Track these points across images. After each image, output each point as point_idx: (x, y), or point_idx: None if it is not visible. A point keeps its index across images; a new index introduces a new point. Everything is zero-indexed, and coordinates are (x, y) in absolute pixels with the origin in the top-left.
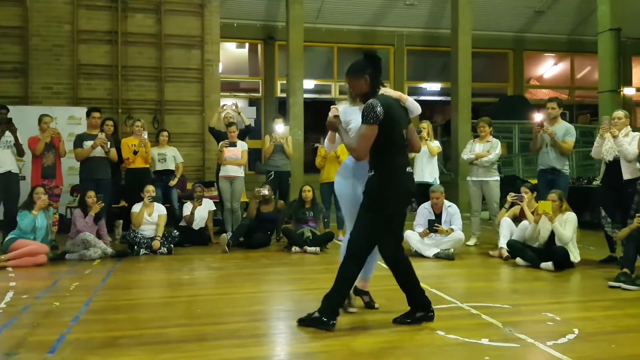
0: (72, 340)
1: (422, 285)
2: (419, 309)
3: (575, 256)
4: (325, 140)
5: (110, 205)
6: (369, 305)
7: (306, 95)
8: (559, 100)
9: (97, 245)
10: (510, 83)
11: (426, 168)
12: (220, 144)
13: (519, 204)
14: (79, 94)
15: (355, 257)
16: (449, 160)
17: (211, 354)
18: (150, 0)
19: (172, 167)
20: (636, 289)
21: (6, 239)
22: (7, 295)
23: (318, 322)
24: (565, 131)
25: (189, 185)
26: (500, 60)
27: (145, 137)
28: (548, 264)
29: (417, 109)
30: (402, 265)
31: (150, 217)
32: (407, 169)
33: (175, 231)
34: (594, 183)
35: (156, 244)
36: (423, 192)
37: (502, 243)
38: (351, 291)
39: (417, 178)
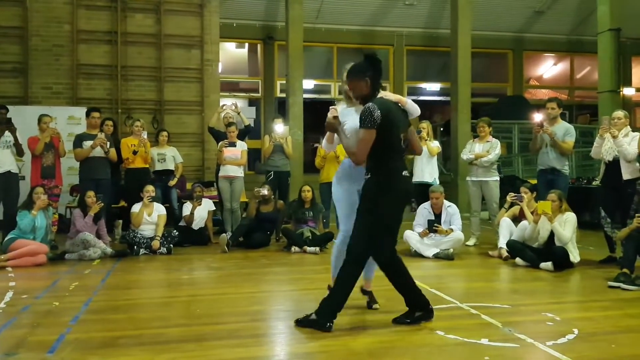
0: (72, 340)
1: (422, 285)
2: (418, 309)
3: (574, 256)
4: (324, 140)
5: (109, 205)
6: (369, 305)
7: (306, 95)
8: (559, 100)
9: (96, 245)
10: (510, 83)
11: (426, 168)
12: (219, 144)
13: (518, 204)
14: (78, 94)
15: (356, 260)
16: (448, 160)
17: (211, 354)
18: (150, 0)
19: (172, 167)
20: (636, 289)
21: (6, 239)
22: (6, 295)
23: (315, 323)
24: (565, 131)
25: (188, 185)
26: (499, 61)
27: (145, 137)
28: (548, 264)
29: (416, 111)
30: (396, 268)
31: (150, 217)
32: (404, 173)
33: (175, 231)
34: (594, 183)
35: (156, 244)
36: (423, 192)
37: (502, 243)
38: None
39: (417, 178)
